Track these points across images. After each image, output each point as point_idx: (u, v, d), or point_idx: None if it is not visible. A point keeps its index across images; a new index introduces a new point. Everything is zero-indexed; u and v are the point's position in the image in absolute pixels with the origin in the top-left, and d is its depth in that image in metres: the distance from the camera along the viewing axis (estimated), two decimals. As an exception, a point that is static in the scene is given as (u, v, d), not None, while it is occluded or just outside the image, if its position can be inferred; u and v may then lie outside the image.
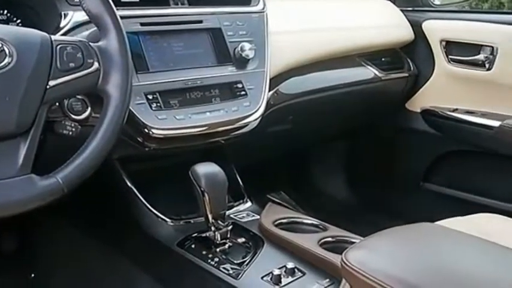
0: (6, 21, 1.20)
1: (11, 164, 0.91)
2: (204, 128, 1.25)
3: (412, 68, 1.89)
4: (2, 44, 0.92)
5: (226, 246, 1.23)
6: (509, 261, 0.88)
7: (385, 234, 0.94)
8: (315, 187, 2.16)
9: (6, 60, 0.91)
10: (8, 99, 0.90)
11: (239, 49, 1.34)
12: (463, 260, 0.87)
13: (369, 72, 1.78)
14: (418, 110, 1.88)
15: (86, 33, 1.13)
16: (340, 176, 2.16)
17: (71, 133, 1.04)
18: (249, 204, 1.44)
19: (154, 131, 1.18)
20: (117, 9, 1.02)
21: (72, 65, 0.96)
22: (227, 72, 1.33)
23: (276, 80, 1.46)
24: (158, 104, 1.19)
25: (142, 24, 1.23)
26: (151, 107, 1.18)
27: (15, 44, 0.93)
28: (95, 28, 1.04)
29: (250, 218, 1.36)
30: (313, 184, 2.17)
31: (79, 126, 1.05)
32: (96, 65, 0.98)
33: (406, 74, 1.88)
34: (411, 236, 0.96)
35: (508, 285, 0.80)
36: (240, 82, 1.33)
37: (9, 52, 0.92)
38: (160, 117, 1.18)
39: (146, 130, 1.17)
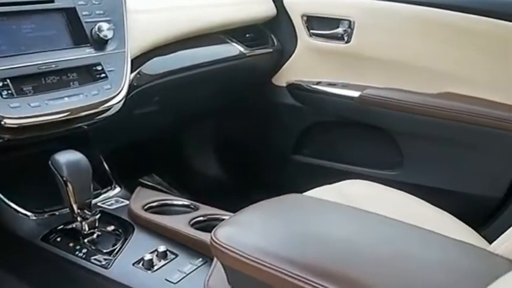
0: None
1: None
2: (63, 115, 1.19)
3: (276, 44, 1.91)
4: None
5: (95, 235, 1.20)
6: (369, 223, 0.92)
7: (253, 209, 0.95)
8: (189, 167, 2.15)
9: None
10: None
11: (96, 29, 1.29)
12: (327, 227, 0.90)
13: (233, 49, 1.78)
14: (284, 85, 1.91)
15: None
16: (213, 154, 2.16)
17: None
18: (117, 190, 1.40)
19: (6, 120, 1.10)
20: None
21: None
22: (85, 55, 1.27)
23: (138, 61, 1.43)
24: (9, 92, 1.12)
25: (-15, 4, 1.15)
26: (1, 95, 1.10)
27: None
28: None
29: (119, 205, 1.33)
30: (186, 164, 2.15)
31: None
32: None
33: (271, 50, 1.89)
34: (279, 208, 0.98)
35: (364, 244, 0.83)
36: (100, 64, 1.28)
37: None
38: (13, 106, 1.11)
39: (-2, 120, 1.10)
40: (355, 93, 1.73)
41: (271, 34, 1.92)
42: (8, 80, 1.12)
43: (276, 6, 1.89)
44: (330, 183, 1.32)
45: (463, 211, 1.27)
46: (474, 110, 1.56)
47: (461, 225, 1.23)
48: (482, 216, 1.58)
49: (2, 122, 1.10)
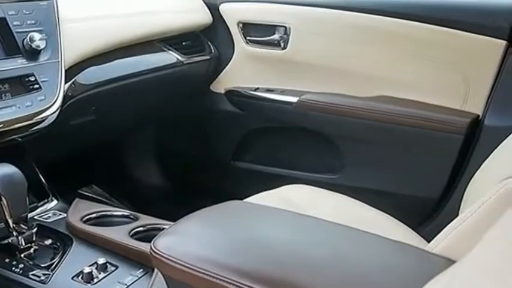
0: None
1: None
2: (-5, 127, 1.16)
3: (213, 51, 1.92)
4: None
5: (32, 250, 1.18)
6: (308, 227, 0.93)
7: (193, 217, 0.95)
8: (129, 177, 2.13)
9: None
10: None
11: (28, 40, 1.26)
12: (268, 233, 0.90)
13: (170, 57, 1.77)
14: (222, 91, 1.92)
15: None
16: (154, 163, 2.14)
17: None
18: (54, 202, 1.38)
19: None
20: None
21: None
22: (17, 65, 1.25)
23: (73, 71, 1.40)
24: None
25: None
26: None
27: None
28: None
29: (56, 218, 1.31)
30: (125, 173, 2.13)
31: None
32: None
33: (208, 57, 1.90)
34: (219, 216, 0.98)
35: (303, 248, 0.85)
36: (32, 75, 1.25)
37: None
38: None
39: None
40: (294, 99, 1.76)
41: (208, 41, 1.93)
42: None
43: (212, 13, 1.90)
44: (271, 189, 1.33)
45: (402, 212, 1.30)
46: (408, 112, 1.61)
47: (401, 226, 1.26)
48: (421, 217, 1.62)
49: None
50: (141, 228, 1.22)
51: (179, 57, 1.79)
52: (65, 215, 1.30)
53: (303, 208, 1.10)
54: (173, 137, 2.11)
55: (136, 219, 1.27)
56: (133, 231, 1.20)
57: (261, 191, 1.29)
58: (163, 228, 1.15)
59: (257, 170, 1.92)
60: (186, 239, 0.89)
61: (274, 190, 1.33)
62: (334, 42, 1.74)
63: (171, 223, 1.14)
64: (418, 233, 1.25)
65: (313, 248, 0.84)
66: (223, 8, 1.88)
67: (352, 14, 1.70)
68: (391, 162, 1.68)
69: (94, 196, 1.99)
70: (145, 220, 1.26)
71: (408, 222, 1.28)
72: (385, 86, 1.70)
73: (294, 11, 1.78)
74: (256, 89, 1.85)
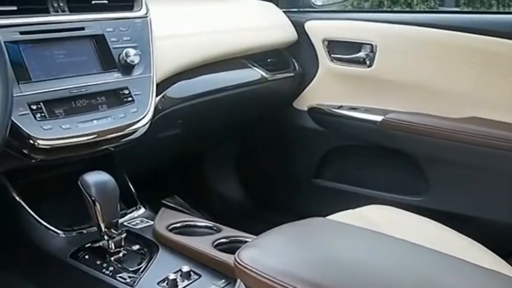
0: None
1: None
2: (91, 137, 1.23)
3: (297, 68, 1.94)
4: None
5: (121, 254, 1.22)
6: (394, 248, 0.93)
7: (276, 232, 0.97)
8: (209, 189, 2.17)
9: None
10: None
11: (124, 55, 1.33)
12: (351, 251, 0.90)
13: (255, 73, 1.81)
14: (305, 109, 1.93)
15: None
16: (234, 176, 2.18)
17: None
18: (142, 210, 1.43)
19: (39, 142, 1.14)
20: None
21: None
22: (113, 79, 1.31)
23: (163, 85, 1.46)
24: (43, 114, 1.15)
25: (21, 32, 1.19)
26: (35, 117, 1.14)
27: None
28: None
29: (144, 225, 1.35)
30: (207, 186, 2.17)
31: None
32: (-29, 77, 0.94)
33: (292, 74, 1.92)
34: (302, 232, 0.99)
35: (390, 270, 0.84)
36: (127, 88, 1.32)
37: None
38: (46, 128, 1.15)
39: (31, 141, 1.13)
40: (378, 118, 1.74)
41: (293, 58, 1.95)
42: (42, 103, 1.16)
43: (297, 31, 1.92)
44: (352, 208, 1.32)
45: (491, 239, 1.25)
46: (501, 135, 1.55)
47: (490, 254, 1.21)
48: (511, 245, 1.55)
49: (36, 143, 1.13)
50: (224, 240, 1.24)
51: (264, 74, 1.82)
52: (152, 222, 1.34)
53: (385, 229, 1.08)
54: (255, 152, 2.14)
55: (219, 230, 1.30)
56: (216, 242, 1.22)
57: (341, 210, 1.28)
58: (246, 241, 1.18)
59: (338, 188, 1.91)
60: (270, 253, 0.91)
61: (356, 209, 1.32)
62: (421, 61, 1.72)
63: (254, 236, 1.16)
64: (508, 263, 1.19)
65: (402, 272, 0.83)
66: (309, 25, 1.90)
67: (440, 31, 1.67)
68: (480, 186, 1.62)
69: (176, 207, 2.05)
70: (228, 232, 1.29)
71: (497, 250, 1.22)
72: (474, 107, 1.64)
73: (381, 28, 1.78)
74: (339, 107, 1.85)
